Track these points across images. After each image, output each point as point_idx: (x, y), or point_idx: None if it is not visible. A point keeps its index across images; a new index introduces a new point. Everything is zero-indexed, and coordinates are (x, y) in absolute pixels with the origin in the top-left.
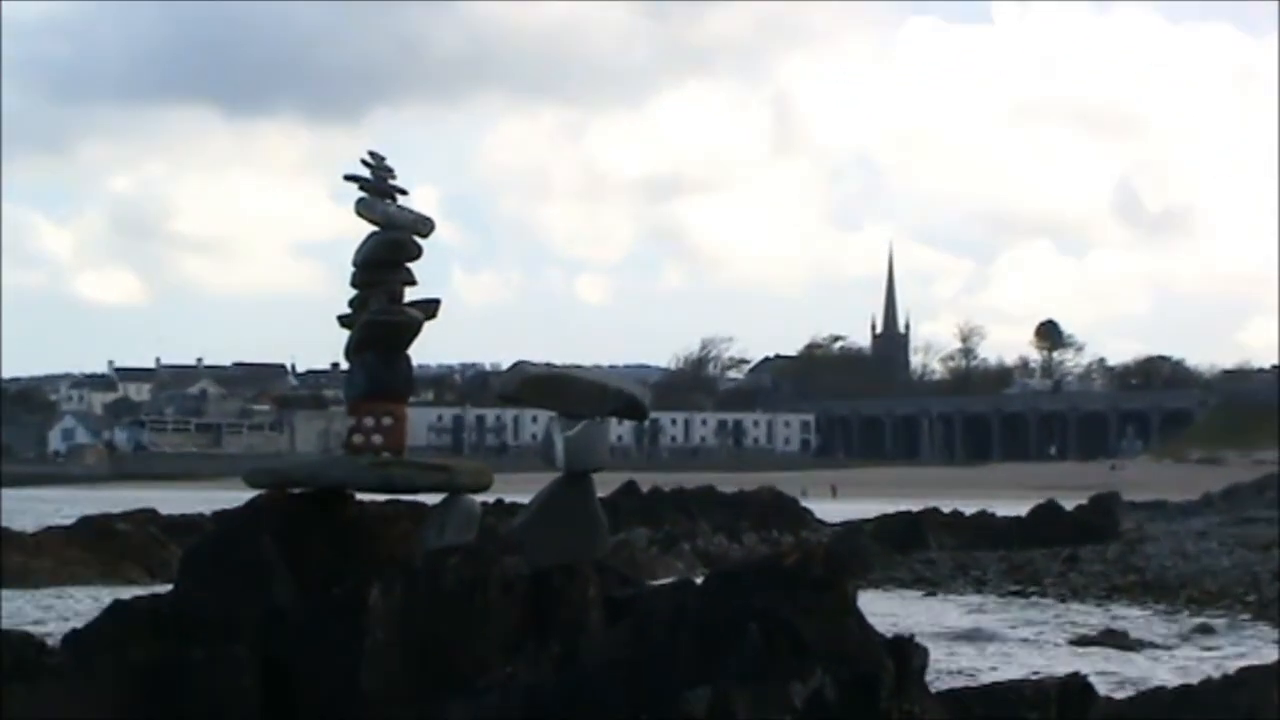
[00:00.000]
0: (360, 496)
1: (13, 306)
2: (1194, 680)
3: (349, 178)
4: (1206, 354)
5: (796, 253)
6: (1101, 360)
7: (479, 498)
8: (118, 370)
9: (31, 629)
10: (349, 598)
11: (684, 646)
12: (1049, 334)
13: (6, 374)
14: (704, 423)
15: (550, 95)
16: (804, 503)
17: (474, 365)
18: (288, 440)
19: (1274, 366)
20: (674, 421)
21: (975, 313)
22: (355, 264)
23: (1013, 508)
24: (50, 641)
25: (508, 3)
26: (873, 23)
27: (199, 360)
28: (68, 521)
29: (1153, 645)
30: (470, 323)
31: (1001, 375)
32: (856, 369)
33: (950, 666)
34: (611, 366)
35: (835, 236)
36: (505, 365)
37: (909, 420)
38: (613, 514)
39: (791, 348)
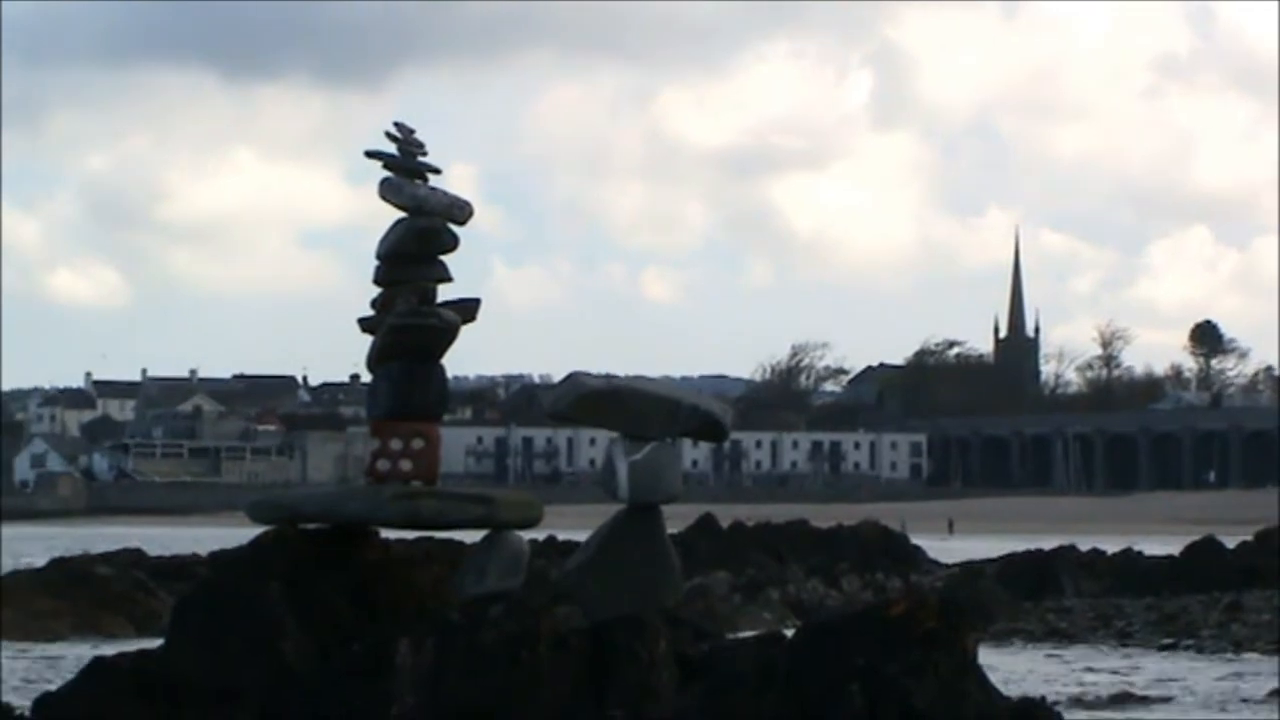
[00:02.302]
0: (385, 534)
1: None
2: None
3: (371, 154)
4: None
5: (905, 241)
6: (1269, 369)
7: (526, 535)
8: (96, 384)
9: None
10: (371, 656)
11: (771, 712)
12: (1207, 337)
13: None
14: (795, 445)
15: (610, 54)
16: (913, 540)
17: (520, 377)
18: (298, 467)
19: None
20: (759, 443)
21: (1119, 313)
22: (379, 257)
23: (1164, 546)
24: (18, 708)
25: None
26: None
27: (192, 372)
28: (37, 564)
29: None
30: (515, 327)
31: (1150, 387)
32: (976, 380)
33: None
34: (684, 378)
35: (951, 222)
36: (557, 377)
37: (1039, 441)
38: (686, 554)
39: (899, 355)
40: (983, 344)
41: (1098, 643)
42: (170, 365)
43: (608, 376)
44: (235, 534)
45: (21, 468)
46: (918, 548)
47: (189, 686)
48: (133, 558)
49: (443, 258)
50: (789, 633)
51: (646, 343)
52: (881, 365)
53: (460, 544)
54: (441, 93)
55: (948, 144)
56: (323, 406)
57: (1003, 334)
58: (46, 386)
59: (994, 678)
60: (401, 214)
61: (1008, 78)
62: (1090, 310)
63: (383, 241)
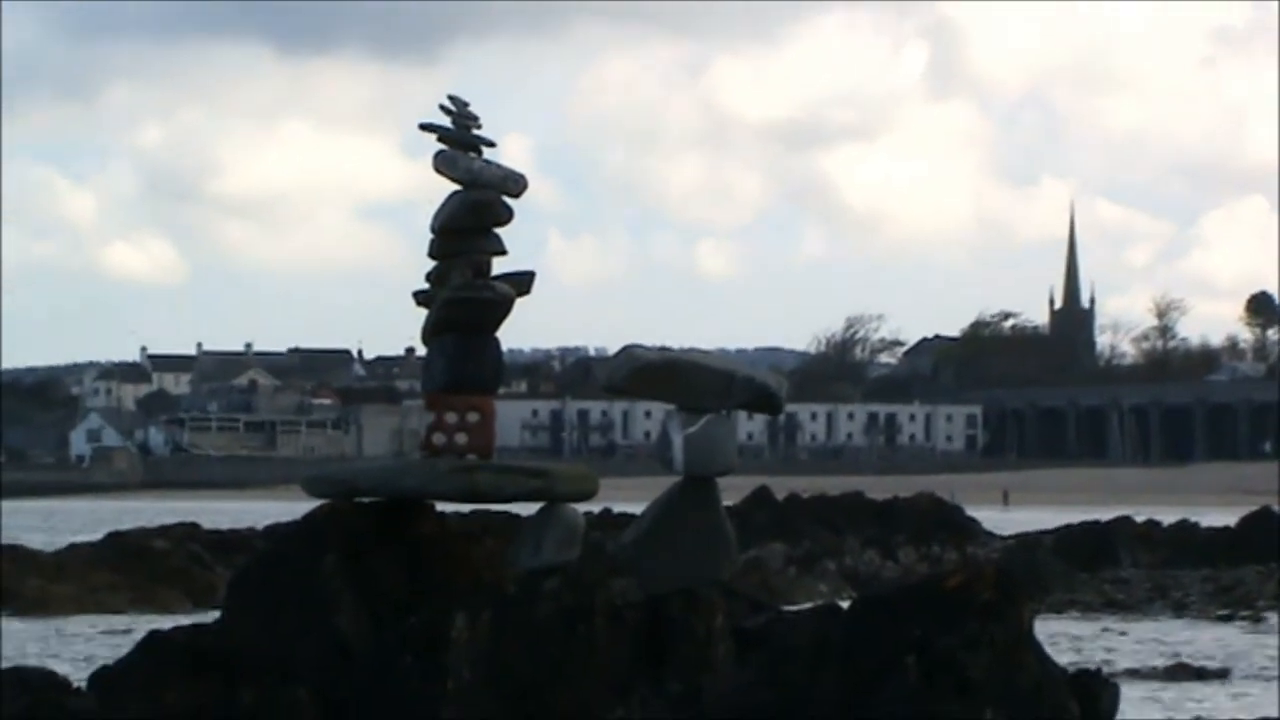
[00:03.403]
0: (441, 508)
1: (26, 283)
2: None
3: (425, 127)
4: None
5: (960, 213)
6: None
7: (582, 508)
8: (151, 358)
9: (53, 666)
10: (427, 630)
11: (827, 685)
12: (1263, 308)
13: (21, 363)
14: (850, 417)
15: (664, 25)
16: (968, 512)
17: (575, 350)
18: (354, 441)
19: None
20: (814, 416)
21: (1174, 284)
22: (433, 230)
23: (1220, 517)
24: (75, 681)
25: None
26: None
27: (247, 346)
28: (94, 539)
29: None
30: (570, 300)
31: (1206, 358)
32: (1032, 352)
33: (1147, 707)
34: (739, 351)
35: (1006, 193)
36: (612, 350)
37: (1094, 413)
38: (741, 527)
39: (954, 327)
40: (1038, 315)
41: (1154, 614)
42: (225, 339)
43: (663, 349)
44: (291, 508)
45: (77, 442)
46: (973, 519)
47: (244, 660)
48: (188, 532)
49: (497, 230)
50: (845, 605)
51: (701, 315)
52: (937, 337)
53: (516, 517)
54: (495, 65)
55: (1002, 115)
56: (378, 380)
57: (1058, 305)
58: (102, 361)
59: (1050, 649)
60: (456, 187)
61: (1062, 49)
62: (1145, 281)
63: (437, 215)
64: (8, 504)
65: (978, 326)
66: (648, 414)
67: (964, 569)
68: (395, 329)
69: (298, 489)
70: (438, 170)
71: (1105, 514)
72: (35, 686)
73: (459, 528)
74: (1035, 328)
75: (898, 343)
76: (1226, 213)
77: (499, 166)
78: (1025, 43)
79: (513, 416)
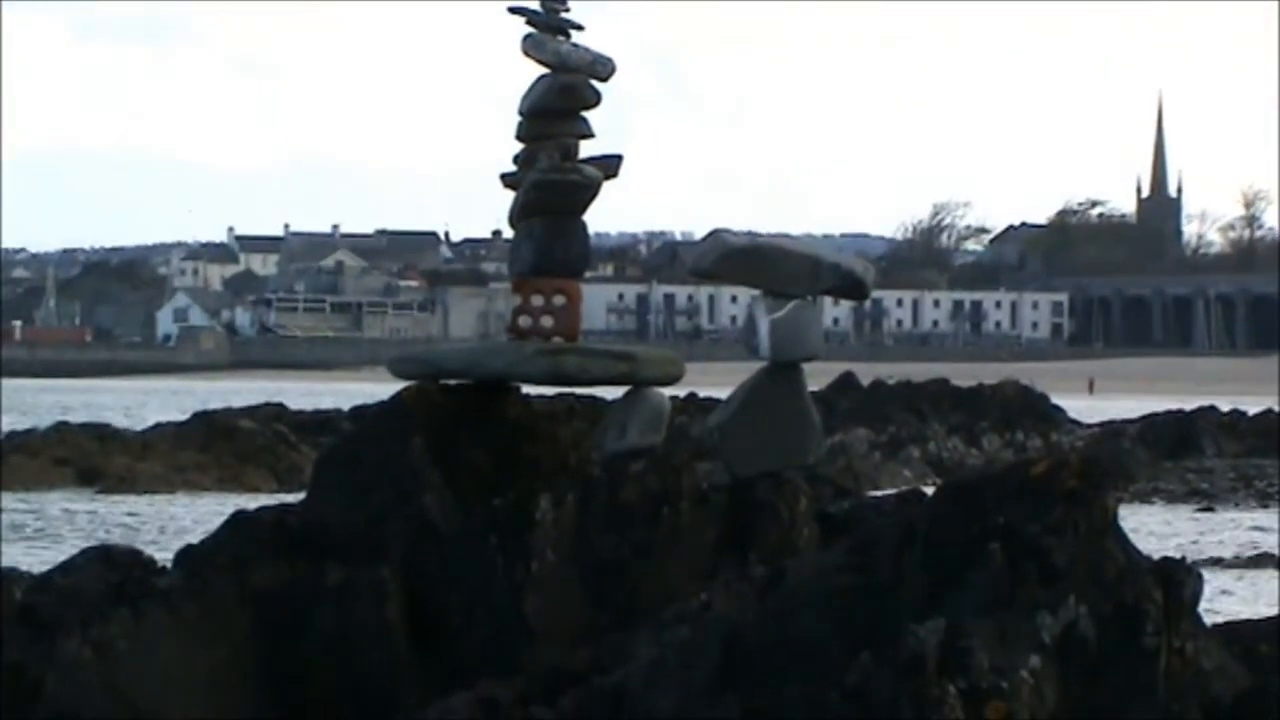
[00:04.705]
0: (526, 390)
1: (115, 164)
2: None
3: (513, 10)
4: None
5: (1047, 100)
6: None
7: (668, 392)
8: (239, 239)
9: (139, 544)
10: (512, 512)
11: (911, 571)
12: None
13: (108, 243)
14: (936, 304)
15: None
16: (1053, 400)
17: (662, 234)
18: (440, 323)
19: None
20: (900, 302)
21: (1261, 173)
22: (521, 113)
23: None
24: (160, 559)
25: None
26: None
27: (335, 228)
28: (180, 418)
29: None
30: (658, 184)
31: None
32: (1119, 240)
33: (1229, 595)
34: (826, 237)
35: (1094, 81)
36: (699, 235)
37: (1181, 302)
38: (827, 412)
39: (1041, 215)
40: (1125, 204)
41: (1238, 503)
42: (313, 220)
43: (750, 234)
44: (377, 389)
45: (164, 322)
46: (1058, 407)
47: (330, 539)
48: (275, 412)
49: (585, 114)
50: (929, 491)
51: (789, 201)
52: (1023, 224)
53: (601, 400)
54: None
55: (1092, 3)
56: (464, 262)
57: (1145, 193)
58: (189, 241)
59: (1134, 538)
60: (544, 70)
61: None
62: (1234, 171)
63: (525, 97)
64: (95, 383)
65: (1064, 214)
66: (734, 299)
67: (1049, 456)
68: (483, 212)
69: (383, 370)
70: (525, 53)
71: (1190, 403)
72: (121, 564)
73: (545, 410)
74: (1122, 216)
75: (984, 230)
76: None
77: (587, 50)
78: None
79: (599, 300)
